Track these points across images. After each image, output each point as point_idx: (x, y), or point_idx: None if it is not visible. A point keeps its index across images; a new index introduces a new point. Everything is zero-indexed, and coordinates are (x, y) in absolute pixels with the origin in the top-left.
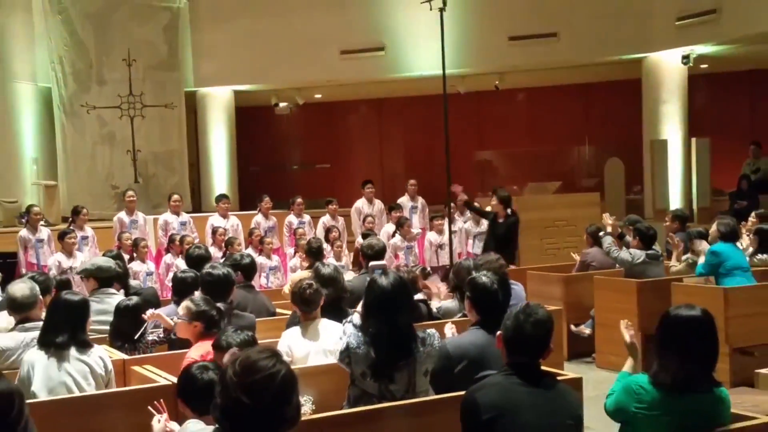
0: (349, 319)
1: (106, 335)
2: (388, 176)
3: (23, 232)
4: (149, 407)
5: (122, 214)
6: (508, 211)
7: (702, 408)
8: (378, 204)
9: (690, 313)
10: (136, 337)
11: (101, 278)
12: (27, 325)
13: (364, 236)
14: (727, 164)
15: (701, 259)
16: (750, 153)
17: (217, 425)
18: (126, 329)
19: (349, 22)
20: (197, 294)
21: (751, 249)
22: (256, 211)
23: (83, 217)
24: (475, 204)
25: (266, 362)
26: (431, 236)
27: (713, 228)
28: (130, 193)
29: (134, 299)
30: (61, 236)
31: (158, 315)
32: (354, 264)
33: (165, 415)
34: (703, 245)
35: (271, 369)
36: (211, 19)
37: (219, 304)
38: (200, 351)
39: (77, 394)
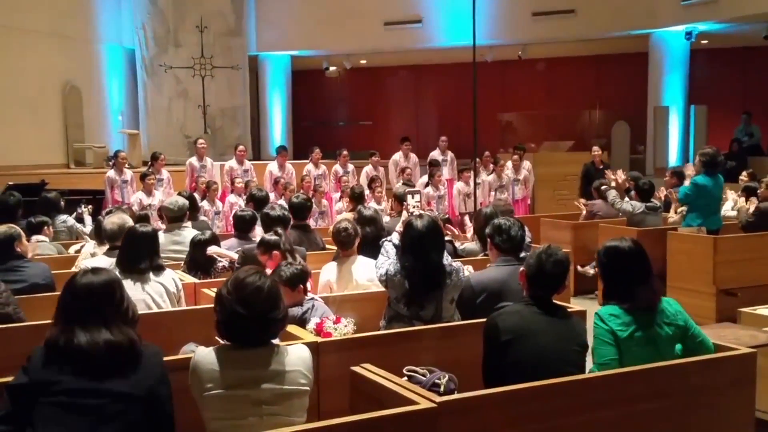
0: (388, 238)
1: (180, 262)
2: (422, 133)
3: (111, 173)
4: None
5: (193, 159)
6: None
7: (659, 322)
8: (413, 158)
9: (623, 244)
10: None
11: (175, 216)
12: (115, 251)
13: (405, 185)
14: (721, 129)
15: (687, 182)
16: (741, 121)
17: (219, 344)
18: (199, 259)
19: None
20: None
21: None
22: (307, 161)
23: (161, 162)
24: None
25: (253, 278)
26: (460, 186)
27: (696, 160)
28: (201, 141)
29: (207, 234)
30: (143, 177)
31: (216, 251)
32: (391, 208)
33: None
34: (689, 169)
35: (257, 282)
36: None
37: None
38: None
39: (155, 310)
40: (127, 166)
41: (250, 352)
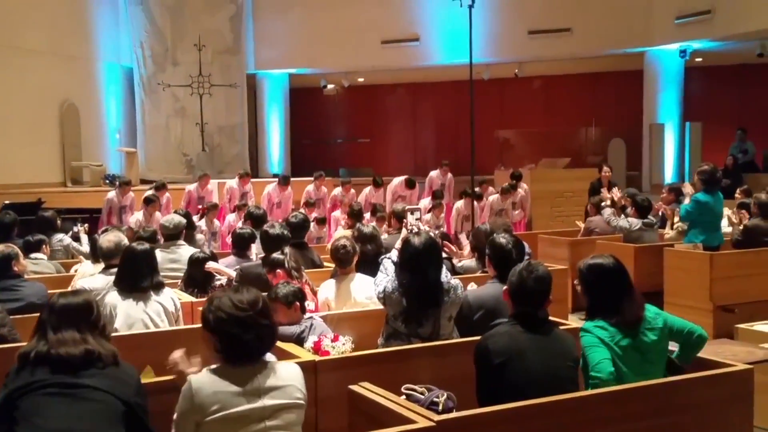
0: (387, 255)
1: (177, 281)
2: (420, 150)
3: (112, 195)
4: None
5: (193, 188)
6: None
7: (643, 333)
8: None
9: (607, 261)
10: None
11: (171, 234)
12: (110, 270)
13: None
14: (716, 146)
15: (687, 200)
16: (736, 137)
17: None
18: (197, 277)
19: (389, 16)
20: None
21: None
22: (310, 178)
23: (163, 191)
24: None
25: (246, 295)
26: (459, 205)
27: (695, 178)
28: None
29: (205, 253)
30: (147, 202)
31: (215, 268)
32: (390, 225)
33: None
34: (687, 188)
35: (251, 298)
36: (270, 11)
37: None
38: None
39: (153, 329)
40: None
41: (247, 369)
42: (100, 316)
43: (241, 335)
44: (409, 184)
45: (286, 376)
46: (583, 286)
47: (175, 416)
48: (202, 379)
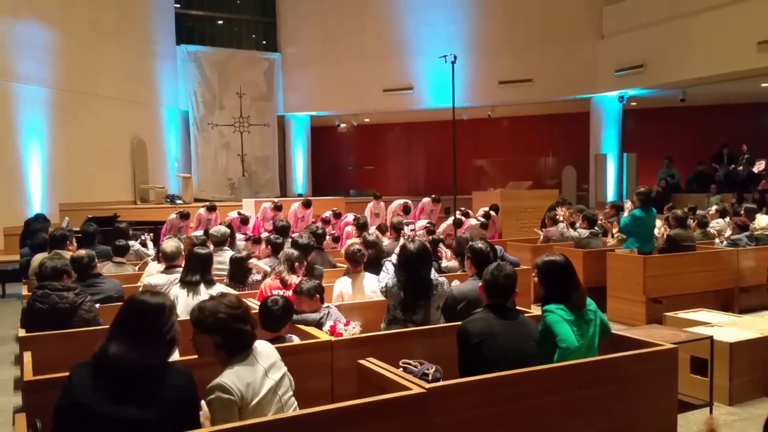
0: (388, 258)
1: (223, 278)
2: (413, 175)
3: (174, 218)
4: None
5: (234, 214)
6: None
7: (587, 315)
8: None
9: (559, 258)
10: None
11: (218, 241)
12: (172, 270)
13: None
14: (648, 172)
15: (626, 214)
16: (664, 164)
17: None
18: (237, 273)
19: (389, 70)
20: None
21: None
22: (328, 198)
23: (214, 212)
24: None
25: (236, 300)
26: (444, 226)
27: (634, 197)
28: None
29: (243, 254)
30: (206, 233)
31: (255, 264)
32: (390, 234)
33: None
34: (628, 204)
35: (239, 302)
36: (295, 67)
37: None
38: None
39: None
40: (182, 207)
41: (248, 357)
42: (170, 322)
43: (242, 328)
44: (405, 210)
45: (270, 352)
46: (540, 277)
47: (216, 418)
48: (232, 379)
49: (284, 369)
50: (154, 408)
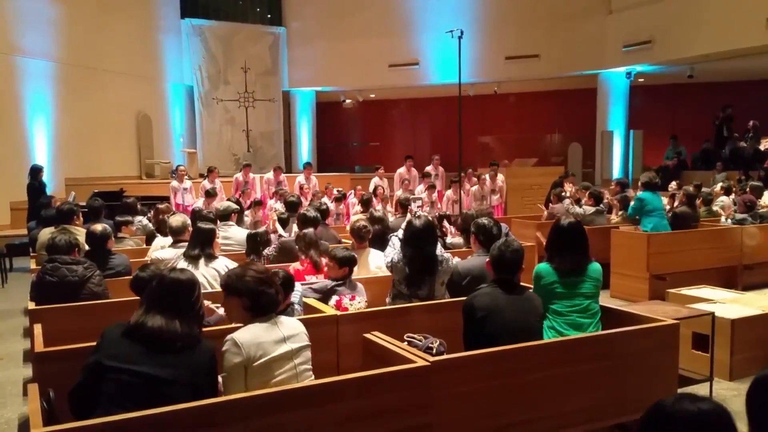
0: (395, 234)
1: (228, 253)
2: (418, 151)
3: (174, 183)
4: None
5: (239, 175)
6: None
7: (581, 278)
8: (414, 172)
9: (570, 222)
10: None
11: (223, 215)
12: (178, 244)
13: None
14: (654, 149)
15: (632, 201)
16: (670, 143)
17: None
18: (253, 247)
19: (394, 45)
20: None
21: (676, 204)
22: (333, 174)
23: (215, 174)
24: None
25: (259, 266)
26: (449, 193)
27: (639, 183)
28: (246, 164)
29: (260, 231)
30: (207, 195)
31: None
32: (396, 210)
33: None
34: (631, 193)
35: (262, 268)
36: (300, 41)
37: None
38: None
39: (209, 290)
40: (186, 177)
41: (271, 322)
42: (199, 297)
43: (265, 290)
44: (407, 158)
45: (296, 325)
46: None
47: (225, 367)
48: (244, 335)
49: (307, 343)
50: (183, 371)
